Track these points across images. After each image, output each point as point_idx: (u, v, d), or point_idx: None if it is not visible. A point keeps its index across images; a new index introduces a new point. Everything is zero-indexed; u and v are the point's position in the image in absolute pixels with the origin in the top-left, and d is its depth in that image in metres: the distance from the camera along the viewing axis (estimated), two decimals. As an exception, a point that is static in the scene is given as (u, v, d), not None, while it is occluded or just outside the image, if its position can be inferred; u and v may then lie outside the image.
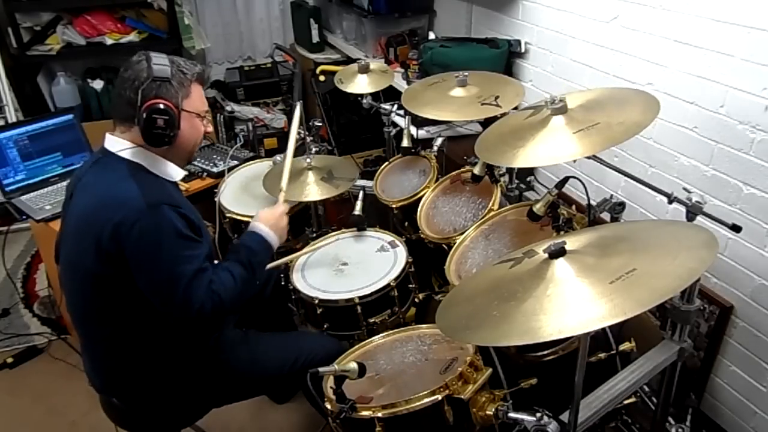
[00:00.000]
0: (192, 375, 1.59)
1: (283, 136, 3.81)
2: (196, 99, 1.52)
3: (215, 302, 1.43)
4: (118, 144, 1.47)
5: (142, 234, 1.36)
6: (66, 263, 1.54)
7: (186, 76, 1.48)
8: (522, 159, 1.39)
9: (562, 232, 1.52)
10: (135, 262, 1.38)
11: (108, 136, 1.50)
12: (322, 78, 3.45)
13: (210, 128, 1.59)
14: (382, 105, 2.48)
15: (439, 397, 1.28)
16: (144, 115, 1.40)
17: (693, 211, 1.41)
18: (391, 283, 1.80)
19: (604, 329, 1.60)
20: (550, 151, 1.37)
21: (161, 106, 1.41)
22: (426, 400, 1.29)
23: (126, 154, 1.46)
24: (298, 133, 2.45)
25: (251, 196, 2.27)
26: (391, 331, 1.63)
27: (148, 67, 1.43)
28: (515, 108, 1.88)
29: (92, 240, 1.39)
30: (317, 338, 1.80)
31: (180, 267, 1.39)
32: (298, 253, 1.99)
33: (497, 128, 1.61)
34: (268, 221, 1.68)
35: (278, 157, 2.36)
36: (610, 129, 1.35)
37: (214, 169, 2.56)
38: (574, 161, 1.37)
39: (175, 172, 1.55)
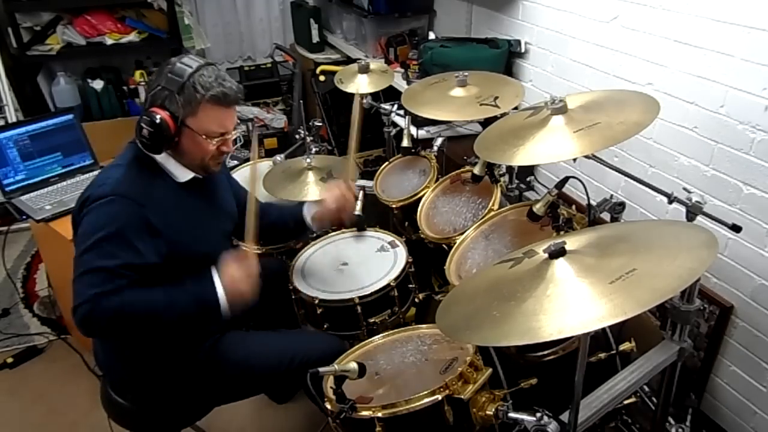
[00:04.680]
0: (190, 373, 1.59)
1: (282, 135, 3.81)
2: (206, 120, 1.45)
3: (90, 308, 1.32)
4: None
5: (93, 213, 1.40)
6: None
7: (197, 95, 1.42)
8: (521, 157, 1.39)
9: (562, 232, 1.52)
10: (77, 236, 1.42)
11: None
12: (322, 78, 3.46)
13: (227, 148, 1.53)
14: (382, 105, 2.49)
15: (439, 397, 1.28)
16: (140, 119, 1.43)
17: (693, 211, 1.41)
18: (391, 283, 1.80)
19: (604, 329, 1.60)
20: (549, 149, 1.37)
21: (155, 117, 1.41)
22: (426, 400, 1.28)
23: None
24: (298, 133, 2.46)
25: (251, 196, 2.26)
26: (391, 331, 1.63)
27: (165, 73, 1.44)
28: (515, 108, 1.88)
29: (74, 220, 1.48)
30: (316, 336, 1.80)
31: (88, 254, 1.36)
32: None
33: (497, 128, 1.61)
34: (229, 282, 1.46)
35: (278, 158, 2.37)
36: (610, 128, 1.35)
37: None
38: (574, 161, 1.38)
39: (180, 173, 1.55)
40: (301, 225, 1.87)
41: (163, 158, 1.52)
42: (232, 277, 1.46)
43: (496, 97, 1.86)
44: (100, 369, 1.70)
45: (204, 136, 1.47)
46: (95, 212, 1.40)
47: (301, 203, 1.90)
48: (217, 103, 1.45)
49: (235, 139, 1.60)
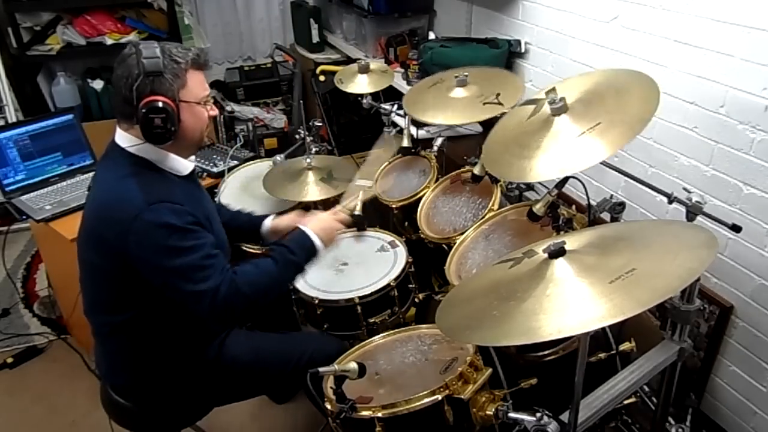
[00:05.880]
0: (194, 373, 1.59)
1: (282, 135, 3.81)
2: (195, 86, 1.45)
3: (231, 287, 1.38)
4: (125, 139, 1.45)
5: (143, 231, 1.34)
6: (78, 256, 1.54)
7: (180, 66, 1.41)
8: (534, 173, 1.34)
9: (562, 232, 1.52)
10: (139, 258, 1.37)
11: (117, 129, 1.47)
12: (322, 78, 3.45)
13: (214, 111, 1.53)
14: (382, 105, 2.48)
15: (439, 397, 1.28)
16: (141, 115, 1.36)
17: (693, 211, 1.41)
18: (391, 283, 1.80)
19: (604, 329, 1.60)
20: (559, 162, 1.32)
21: (158, 104, 1.36)
22: (426, 400, 1.28)
23: (132, 150, 1.45)
24: (298, 133, 2.45)
25: (251, 196, 2.26)
26: (391, 331, 1.63)
27: (138, 62, 1.37)
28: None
29: (96, 237, 1.43)
30: (319, 338, 1.80)
31: (183, 258, 1.36)
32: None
33: (499, 135, 1.55)
34: (317, 226, 1.63)
35: (278, 158, 2.37)
36: (612, 128, 1.32)
37: (214, 169, 2.55)
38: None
39: (182, 167, 1.51)
40: (255, 233, 1.89)
41: (159, 155, 1.47)
42: (316, 220, 1.66)
43: (498, 94, 1.85)
44: (101, 374, 1.67)
45: (199, 104, 1.47)
46: (147, 228, 1.35)
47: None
48: (197, 66, 1.46)
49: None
